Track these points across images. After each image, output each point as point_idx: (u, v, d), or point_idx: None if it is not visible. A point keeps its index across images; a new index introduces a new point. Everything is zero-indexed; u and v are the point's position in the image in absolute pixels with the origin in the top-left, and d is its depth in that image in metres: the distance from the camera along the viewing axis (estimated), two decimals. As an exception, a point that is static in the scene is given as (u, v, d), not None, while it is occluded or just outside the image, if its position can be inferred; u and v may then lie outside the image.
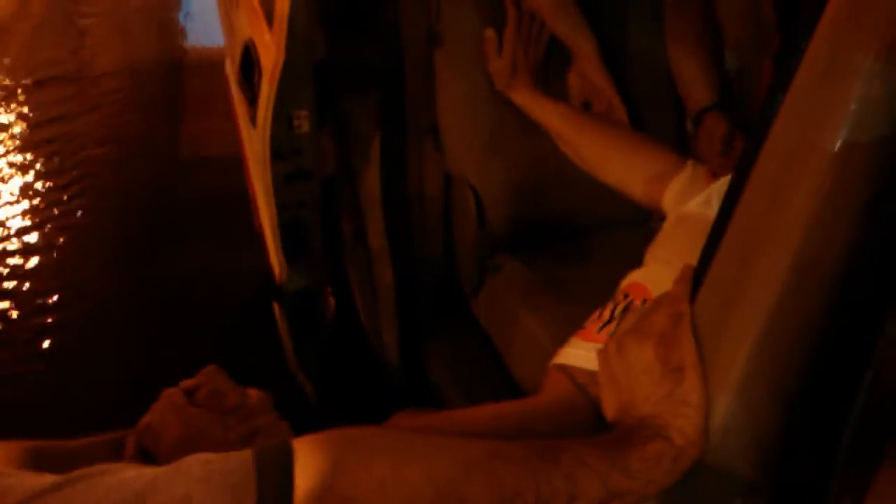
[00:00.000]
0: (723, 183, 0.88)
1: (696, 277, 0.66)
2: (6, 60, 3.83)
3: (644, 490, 0.59)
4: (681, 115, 1.51)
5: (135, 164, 3.12)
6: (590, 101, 1.48)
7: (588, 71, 1.43)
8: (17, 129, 3.34)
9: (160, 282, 2.45)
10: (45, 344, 2.28)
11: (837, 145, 0.57)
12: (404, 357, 1.66)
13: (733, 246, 0.65)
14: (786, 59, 0.61)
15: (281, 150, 1.34)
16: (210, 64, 3.43)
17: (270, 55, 1.31)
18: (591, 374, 0.78)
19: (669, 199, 1.16)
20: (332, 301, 1.74)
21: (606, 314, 0.85)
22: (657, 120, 1.52)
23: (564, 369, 0.84)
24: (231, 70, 1.67)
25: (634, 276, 0.88)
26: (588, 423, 0.75)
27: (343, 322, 1.74)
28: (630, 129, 1.41)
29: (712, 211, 0.79)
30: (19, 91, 3.60)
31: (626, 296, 0.85)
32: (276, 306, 1.62)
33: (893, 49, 0.54)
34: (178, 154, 3.18)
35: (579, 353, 0.84)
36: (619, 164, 1.27)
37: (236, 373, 2.27)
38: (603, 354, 0.67)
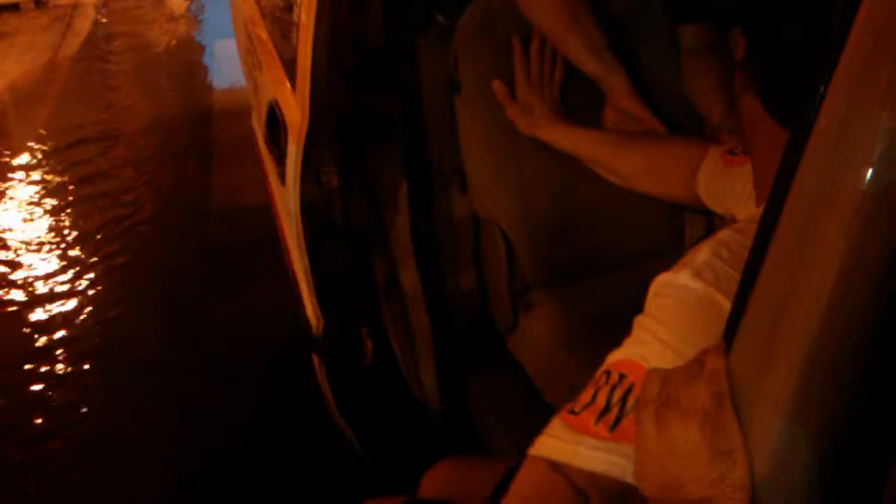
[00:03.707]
0: (705, 255, 0.77)
1: (729, 328, 0.66)
2: (37, 126, 3.93)
3: None
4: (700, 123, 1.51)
5: (168, 217, 3.18)
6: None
7: (624, 103, 1.42)
8: (51, 190, 3.42)
9: (195, 332, 2.49)
10: (86, 396, 2.32)
11: (865, 184, 0.57)
12: (444, 398, 1.67)
13: (771, 278, 0.64)
14: (804, 107, 0.61)
15: (311, 206, 1.37)
16: (236, 111, 3.51)
17: (295, 115, 1.34)
18: (592, 475, 0.69)
19: (702, 186, 1.21)
20: (369, 346, 1.75)
21: (601, 400, 0.73)
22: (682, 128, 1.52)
23: (557, 468, 0.72)
24: (257, 126, 1.70)
25: (628, 352, 0.76)
26: None
27: (381, 367, 1.75)
28: (655, 133, 1.40)
29: (701, 284, 0.74)
30: (52, 154, 3.69)
31: (621, 376, 0.73)
32: (314, 358, 1.64)
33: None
34: (210, 203, 3.24)
35: (574, 449, 0.72)
36: (653, 169, 1.29)
37: (276, 424, 2.29)
38: (638, 423, 0.67)
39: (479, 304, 1.63)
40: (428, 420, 1.70)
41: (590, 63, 1.39)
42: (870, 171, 0.56)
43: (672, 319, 0.75)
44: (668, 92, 1.53)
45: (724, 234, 0.79)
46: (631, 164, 1.33)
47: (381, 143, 1.53)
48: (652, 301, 0.78)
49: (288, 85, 1.37)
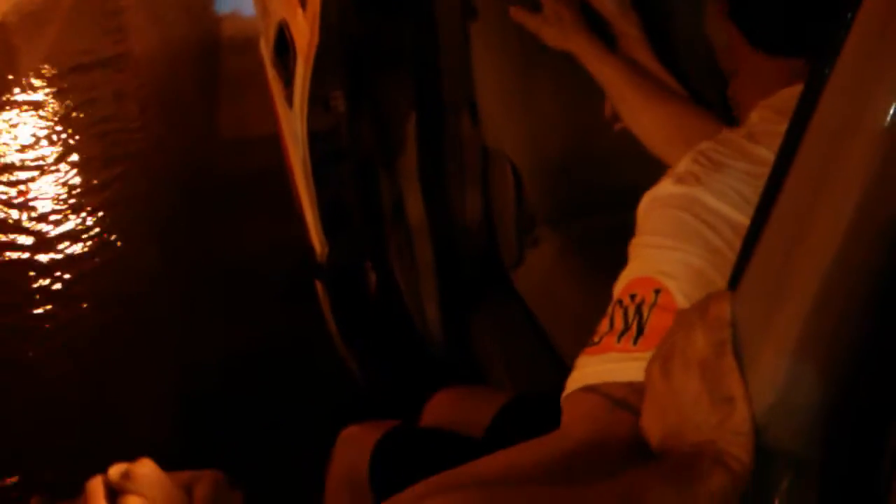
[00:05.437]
0: (686, 164, 0.77)
1: (737, 270, 0.65)
2: (43, 48, 3.88)
3: None
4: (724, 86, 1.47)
5: (174, 145, 3.15)
6: None
7: (635, 52, 1.35)
8: (56, 115, 3.39)
9: (202, 260, 2.49)
10: (88, 323, 2.32)
11: (889, 118, 0.55)
12: (447, 331, 1.68)
13: (781, 222, 0.64)
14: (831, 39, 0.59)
15: (318, 130, 1.35)
16: (245, 38, 3.45)
17: (304, 36, 1.31)
18: (629, 384, 0.69)
19: None
20: (373, 277, 1.75)
21: (619, 323, 0.73)
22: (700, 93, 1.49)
23: (596, 390, 0.72)
24: (265, 50, 1.68)
25: (630, 274, 0.76)
26: (631, 444, 0.69)
27: (385, 298, 1.76)
28: (685, 98, 1.33)
29: (684, 188, 0.75)
30: (57, 79, 3.65)
31: (632, 296, 0.74)
32: (318, 284, 1.64)
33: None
34: (216, 134, 3.21)
35: (607, 368, 0.72)
36: (668, 136, 1.25)
37: (283, 347, 2.32)
38: (647, 375, 0.66)
39: (485, 238, 1.63)
40: (429, 351, 1.71)
41: (607, 1, 1.35)
42: (894, 106, 0.55)
43: (661, 226, 0.75)
44: (690, 49, 1.48)
45: (703, 144, 0.79)
46: (656, 119, 1.26)
47: (392, 69, 1.50)
48: (641, 220, 0.79)
49: (298, 5, 1.34)
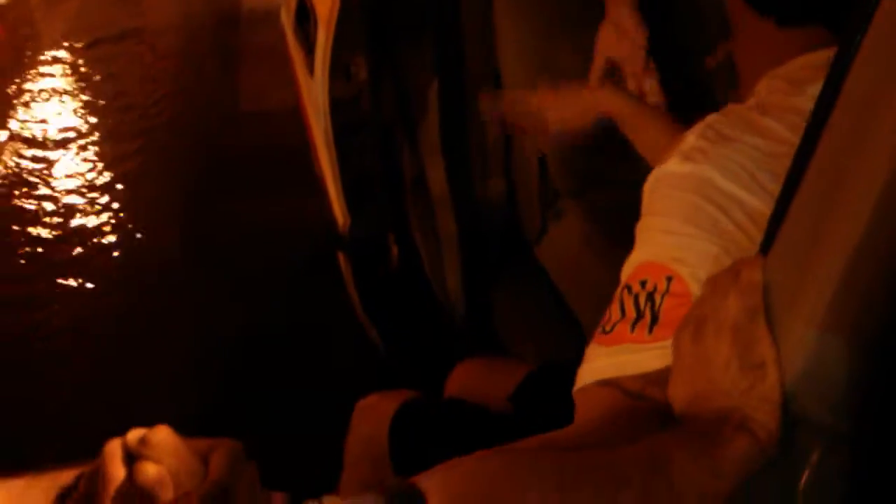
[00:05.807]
0: (692, 140, 0.75)
1: (768, 237, 0.64)
2: (63, 23, 3.88)
3: (731, 490, 0.58)
4: None
5: (193, 118, 3.14)
6: (616, 67, 1.28)
7: (621, 18, 1.23)
8: (76, 90, 3.40)
9: (223, 234, 2.48)
10: (104, 302, 2.33)
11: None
12: (469, 303, 1.67)
13: (813, 188, 0.62)
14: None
15: (339, 98, 1.34)
16: (265, 11, 3.44)
17: (325, 3, 1.30)
18: (644, 376, 0.68)
19: None
20: (395, 249, 1.75)
21: (631, 310, 0.71)
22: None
23: (611, 384, 0.70)
24: (287, 19, 1.66)
25: (640, 258, 0.74)
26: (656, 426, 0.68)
27: (407, 269, 1.75)
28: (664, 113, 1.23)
29: (691, 166, 0.72)
30: (77, 53, 3.65)
31: (642, 283, 0.71)
32: (340, 255, 1.64)
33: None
34: (237, 107, 3.20)
35: (622, 360, 0.70)
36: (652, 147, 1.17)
37: (303, 323, 2.32)
38: (676, 342, 0.65)
39: (507, 211, 1.62)
40: (451, 323, 1.71)
41: None
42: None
43: (670, 208, 0.73)
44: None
45: (708, 118, 0.77)
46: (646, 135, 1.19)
47: (413, 35, 1.48)
48: (648, 199, 0.77)
49: (319, -28, 1.33)
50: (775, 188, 0.68)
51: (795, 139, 0.70)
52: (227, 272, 2.33)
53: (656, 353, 0.68)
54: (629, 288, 0.72)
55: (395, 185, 1.60)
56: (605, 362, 0.71)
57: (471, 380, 1.31)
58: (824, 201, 0.60)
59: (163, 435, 0.58)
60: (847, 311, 0.60)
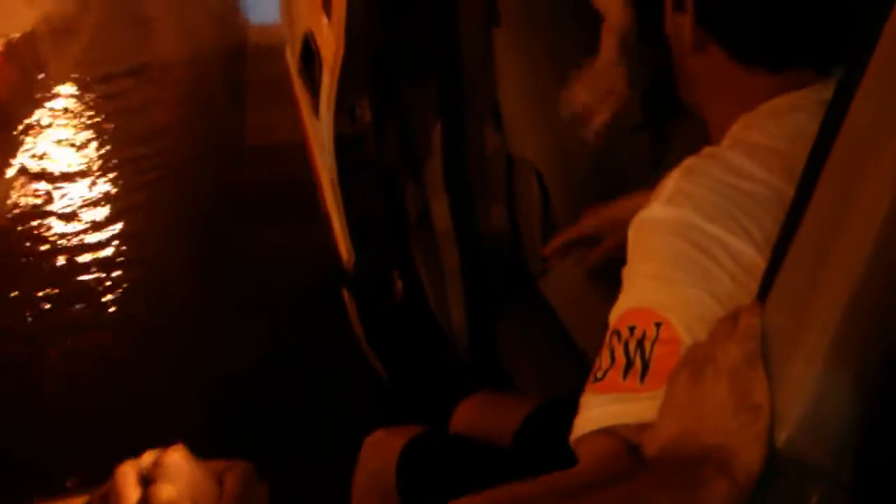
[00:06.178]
0: (671, 185, 0.74)
1: (766, 281, 0.65)
2: (72, 58, 3.93)
3: None
4: None
5: (201, 152, 3.18)
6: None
7: (606, 48, 1.14)
8: (85, 124, 3.44)
9: (230, 266, 2.51)
10: (121, 329, 2.36)
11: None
12: (473, 337, 1.68)
13: (810, 234, 0.63)
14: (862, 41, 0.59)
15: (345, 139, 1.36)
16: (272, 46, 3.48)
17: (330, 46, 1.32)
18: (641, 427, 0.68)
19: None
20: (399, 284, 1.76)
21: (621, 357, 0.71)
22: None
23: (609, 432, 0.70)
24: (292, 60, 1.69)
25: (627, 303, 0.74)
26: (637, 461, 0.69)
27: (411, 304, 1.76)
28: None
29: (674, 209, 0.72)
30: (87, 88, 3.70)
31: (630, 329, 0.71)
32: (344, 291, 1.65)
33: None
34: (244, 142, 3.23)
35: (617, 409, 0.70)
36: None
37: (308, 353, 2.33)
38: (672, 382, 0.66)
39: (511, 245, 1.63)
40: (456, 357, 1.71)
41: None
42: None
43: (654, 253, 0.73)
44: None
45: (686, 161, 0.77)
46: None
47: (416, 78, 1.51)
48: (632, 244, 0.76)
49: (324, 15, 1.35)
50: (755, 229, 0.70)
51: (773, 179, 0.72)
52: (235, 303, 2.36)
53: (650, 404, 0.68)
54: (618, 334, 0.72)
55: (399, 224, 1.61)
56: (601, 412, 0.71)
57: (477, 415, 1.32)
58: (822, 247, 0.61)
59: (177, 456, 0.59)
60: (846, 356, 0.61)
